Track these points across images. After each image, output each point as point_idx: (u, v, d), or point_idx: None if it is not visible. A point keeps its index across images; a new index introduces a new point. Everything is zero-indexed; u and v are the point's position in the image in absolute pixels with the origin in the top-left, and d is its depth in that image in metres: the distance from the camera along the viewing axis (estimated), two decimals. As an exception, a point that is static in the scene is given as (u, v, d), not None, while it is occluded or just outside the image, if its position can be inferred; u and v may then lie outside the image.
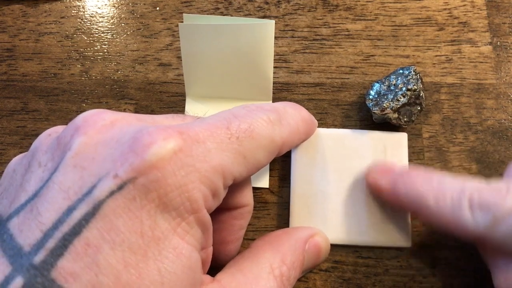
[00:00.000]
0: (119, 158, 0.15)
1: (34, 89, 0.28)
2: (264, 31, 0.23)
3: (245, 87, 0.26)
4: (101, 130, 0.16)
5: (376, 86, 0.25)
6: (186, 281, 0.15)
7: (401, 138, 0.25)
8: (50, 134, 0.18)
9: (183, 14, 0.24)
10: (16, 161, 0.18)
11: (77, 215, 0.14)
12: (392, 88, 0.24)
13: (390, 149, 0.25)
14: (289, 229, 0.22)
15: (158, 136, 0.15)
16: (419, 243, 0.24)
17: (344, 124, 0.26)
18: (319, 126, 0.25)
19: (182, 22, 0.24)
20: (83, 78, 0.28)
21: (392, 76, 0.25)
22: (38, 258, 0.14)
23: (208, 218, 0.16)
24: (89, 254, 0.13)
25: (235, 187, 0.20)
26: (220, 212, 0.21)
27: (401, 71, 0.25)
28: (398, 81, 0.24)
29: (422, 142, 0.26)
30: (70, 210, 0.14)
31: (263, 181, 0.25)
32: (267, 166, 0.25)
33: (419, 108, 0.24)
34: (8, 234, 0.14)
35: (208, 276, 0.18)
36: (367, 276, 0.24)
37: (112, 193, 0.14)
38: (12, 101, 0.28)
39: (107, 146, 0.15)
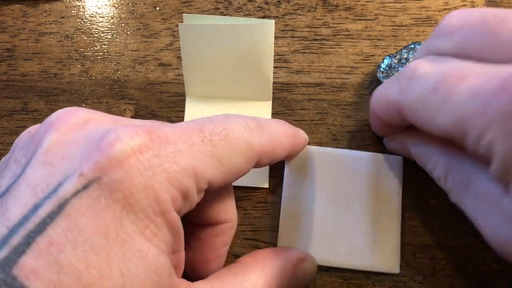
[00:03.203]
0: (85, 157, 0.15)
1: (34, 89, 0.28)
2: (264, 31, 0.23)
3: (245, 87, 0.26)
4: (73, 128, 0.16)
5: (387, 59, 0.26)
6: (149, 285, 0.15)
7: (395, 161, 0.24)
8: (30, 132, 0.18)
9: (183, 14, 0.24)
10: (2, 159, 0.18)
11: (42, 212, 0.14)
12: (403, 61, 0.24)
13: (384, 172, 0.24)
14: (279, 250, 0.22)
15: (124, 134, 0.15)
16: (419, 243, 0.24)
17: (343, 124, 0.26)
18: (313, 144, 0.25)
19: (182, 22, 0.24)
20: (83, 78, 0.28)
21: (403, 51, 0.25)
22: (2, 254, 0.13)
23: (178, 220, 0.16)
24: (51, 252, 0.13)
25: (214, 200, 0.19)
26: (200, 228, 0.20)
27: (412, 45, 0.25)
28: (409, 56, 0.24)
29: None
30: (36, 207, 0.14)
31: (263, 181, 0.25)
32: (267, 166, 0.25)
33: None
34: None
35: (184, 281, 0.17)
36: (367, 276, 0.24)
37: (77, 192, 0.14)
38: (12, 101, 0.28)
39: (77, 144, 0.15)
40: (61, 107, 0.27)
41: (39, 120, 0.27)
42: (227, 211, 0.20)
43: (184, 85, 0.27)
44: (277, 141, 0.20)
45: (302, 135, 0.23)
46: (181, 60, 0.28)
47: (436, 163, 0.20)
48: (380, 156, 0.25)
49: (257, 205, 0.25)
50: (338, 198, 0.24)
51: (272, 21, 0.23)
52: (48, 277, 0.13)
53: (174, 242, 0.16)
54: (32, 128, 0.18)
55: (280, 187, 0.25)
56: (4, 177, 0.16)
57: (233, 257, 0.24)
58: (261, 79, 0.25)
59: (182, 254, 0.17)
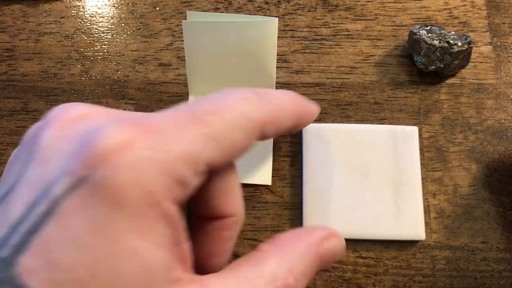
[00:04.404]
0: (74, 156, 0.15)
1: (34, 89, 0.28)
2: (267, 29, 0.23)
3: (248, 84, 0.26)
4: (68, 124, 0.16)
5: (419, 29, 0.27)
6: (142, 282, 0.14)
7: (411, 132, 0.25)
8: (37, 127, 0.18)
9: (186, 11, 0.24)
10: (13, 153, 0.18)
11: (38, 211, 0.14)
12: (446, 32, 0.27)
13: (400, 143, 0.25)
14: (301, 232, 0.21)
15: (111, 130, 0.15)
16: (419, 243, 0.24)
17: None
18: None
19: (185, 19, 0.24)
20: (83, 78, 0.28)
21: (452, 34, 0.26)
22: (3, 253, 0.14)
23: (174, 210, 0.15)
24: (47, 251, 0.14)
25: (219, 191, 0.19)
26: (206, 222, 0.20)
27: (463, 36, 0.26)
28: (454, 35, 0.26)
29: (422, 142, 0.26)
30: (32, 206, 0.14)
31: (266, 178, 0.25)
32: (270, 163, 0.25)
33: (449, 58, 0.26)
34: None
35: (189, 275, 0.17)
36: (367, 276, 0.24)
37: (67, 191, 0.14)
38: (12, 101, 0.28)
39: (69, 141, 0.15)
40: (61, 107, 0.27)
41: (39, 120, 0.27)
42: (233, 204, 0.20)
43: (184, 85, 0.27)
44: (281, 110, 0.19)
45: (310, 104, 0.22)
46: (181, 60, 0.28)
47: None
48: (395, 128, 0.25)
49: (257, 205, 0.25)
50: (358, 171, 0.24)
51: (276, 19, 0.23)
52: (44, 276, 0.13)
53: (172, 233, 0.16)
54: (40, 123, 0.18)
55: (280, 187, 0.25)
56: (9, 174, 0.16)
57: (232, 257, 0.24)
58: (265, 76, 0.25)
59: (185, 245, 0.17)
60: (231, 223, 0.20)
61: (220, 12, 0.29)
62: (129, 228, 0.14)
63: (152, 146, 0.15)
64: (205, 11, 0.29)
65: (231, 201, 0.20)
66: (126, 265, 0.14)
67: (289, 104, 0.20)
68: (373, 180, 0.24)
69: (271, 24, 0.23)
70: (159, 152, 0.15)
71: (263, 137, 0.19)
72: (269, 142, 0.26)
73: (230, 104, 0.17)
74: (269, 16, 0.29)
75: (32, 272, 0.13)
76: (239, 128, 0.17)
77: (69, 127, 0.16)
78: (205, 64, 0.25)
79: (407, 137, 0.25)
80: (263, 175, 0.25)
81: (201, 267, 0.20)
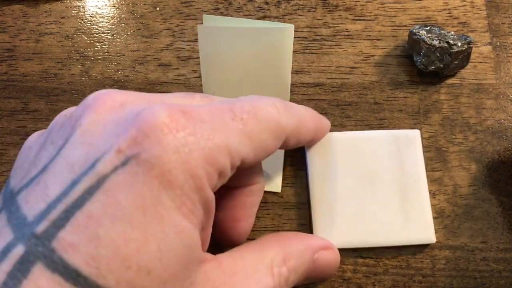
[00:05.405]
0: (123, 134, 0.15)
1: (35, 89, 0.28)
2: (283, 36, 0.23)
3: (262, 91, 0.26)
4: (110, 110, 0.16)
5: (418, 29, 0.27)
6: (184, 259, 0.15)
7: (414, 136, 0.25)
8: (66, 115, 0.18)
9: (203, 15, 0.24)
10: (33, 139, 0.18)
11: (80, 188, 0.14)
12: (445, 33, 0.27)
13: (404, 147, 0.25)
14: (302, 234, 0.22)
15: (161, 113, 0.15)
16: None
17: (343, 124, 0.26)
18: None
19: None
20: (83, 78, 0.28)
21: (451, 35, 0.26)
22: (40, 228, 0.14)
23: (211, 197, 0.16)
24: (90, 226, 0.14)
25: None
26: (231, 189, 0.21)
27: (463, 36, 0.26)
28: (454, 35, 0.26)
29: (421, 142, 0.26)
30: (74, 183, 0.14)
31: (276, 186, 0.25)
32: (280, 171, 0.25)
33: (449, 58, 0.26)
34: (16, 205, 0.15)
35: (209, 254, 0.18)
36: (367, 276, 0.24)
37: (115, 168, 0.14)
38: (12, 101, 0.28)
39: (114, 124, 0.16)
40: (62, 107, 0.27)
41: (40, 120, 0.27)
42: (256, 174, 0.21)
43: (184, 85, 0.27)
44: (303, 122, 0.20)
45: (325, 120, 0.24)
46: (181, 60, 0.28)
47: None
48: (398, 132, 0.25)
49: (257, 205, 0.25)
50: (364, 179, 0.24)
51: (292, 25, 0.23)
52: (86, 251, 0.13)
53: (205, 219, 0.16)
54: (67, 111, 0.18)
55: (280, 187, 0.25)
56: (41, 158, 0.16)
57: (233, 257, 0.24)
58: (279, 83, 0.25)
59: (209, 232, 0.18)
60: (255, 190, 0.21)
61: (220, 13, 0.29)
62: (176, 208, 0.15)
63: (198, 134, 0.15)
64: (205, 11, 0.29)
65: (255, 172, 0.21)
66: (173, 242, 0.14)
67: (309, 119, 0.21)
68: (379, 186, 0.24)
69: (287, 31, 0.23)
70: (204, 140, 0.15)
71: (285, 145, 0.20)
72: (281, 151, 0.26)
73: (263, 108, 0.18)
74: (269, 16, 0.29)
75: (73, 246, 0.13)
76: (269, 131, 0.18)
77: (111, 113, 0.16)
78: (219, 69, 0.25)
79: (409, 141, 0.25)
80: (273, 183, 0.25)
81: (228, 231, 0.21)
